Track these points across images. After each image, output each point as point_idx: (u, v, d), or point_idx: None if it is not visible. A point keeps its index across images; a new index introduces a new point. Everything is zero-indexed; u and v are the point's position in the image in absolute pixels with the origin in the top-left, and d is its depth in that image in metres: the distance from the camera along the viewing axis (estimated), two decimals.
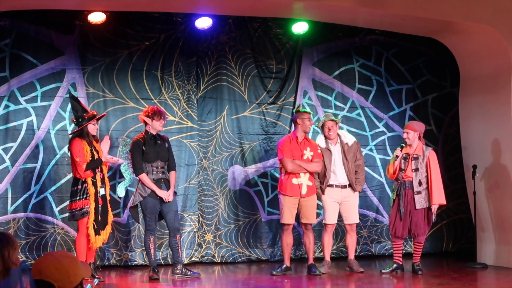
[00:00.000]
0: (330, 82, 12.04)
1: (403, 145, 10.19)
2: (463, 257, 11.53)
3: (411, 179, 10.05)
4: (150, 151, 9.66)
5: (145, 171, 9.64)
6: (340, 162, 10.24)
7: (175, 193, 9.97)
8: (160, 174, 9.72)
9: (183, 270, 9.77)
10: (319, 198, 10.32)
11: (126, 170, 10.02)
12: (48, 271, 3.61)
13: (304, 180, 10.04)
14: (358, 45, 12.19)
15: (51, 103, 10.65)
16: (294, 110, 10.41)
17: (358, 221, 10.53)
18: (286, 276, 10.07)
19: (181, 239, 10.02)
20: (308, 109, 10.45)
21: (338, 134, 10.34)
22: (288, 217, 10.05)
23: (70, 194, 9.42)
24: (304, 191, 10.01)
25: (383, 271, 10.25)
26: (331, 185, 10.24)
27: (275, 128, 11.72)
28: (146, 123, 9.72)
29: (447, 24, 10.94)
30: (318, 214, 11.31)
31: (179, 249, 9.79)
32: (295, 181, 10.03)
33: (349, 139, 10.36)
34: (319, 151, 10.20)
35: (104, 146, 9.57)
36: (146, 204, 9.61)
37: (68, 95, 10.21)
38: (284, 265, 10.18)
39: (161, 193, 9.59)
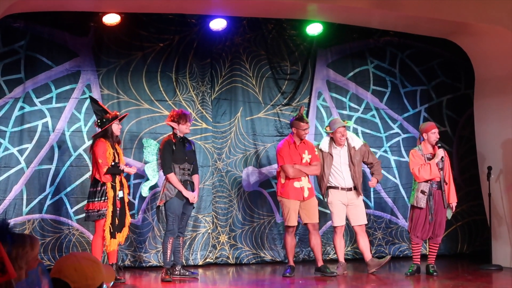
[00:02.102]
0: (345, 83, 12.03)
1: (439, 145, 10.19)
2: (478, 259, 11.50)
3: (439, 179, 10.02)
4: (179, 152, 9.73)
5: (173, 171, 9.70)
6: (346, 165, 10.20)
7: None
8: (186, 176, 9.78)
9: (182, 271, 9.82)
10: (324, 197, 10.35)
11: (154, 170, 10.05)
12: (67, 271, 3.62)
13: (305, 183, 10.07)
14: (372, 47, 12.18)
15: (66, 104, 10.67)
16: (295, 115, 10.33)
17: (366, 222, 10.44)
18: (299, 278, 10.07)
19: (184, 242, 10.07)
20: (306, 118, 10.23)
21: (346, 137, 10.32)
22: (293, 220, 10.08)
23: (88, 194, 9.48)
24: (306, 193, 10.05)
25: (407, 273, 10.17)
26: (336, 187, 10.21)
27: (289, 129, 11.68)
28: (173, 127, 9.77)
29: (461, 26, 10.91)
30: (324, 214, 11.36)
31: (181, 251, 9.87)
32: (297, 184, 10.05)
33: (357, 143, 10.31)
34: (317, 153, 10.18)
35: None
36: (171, 204, 9.65)
37: (88, 98, 10.25)
38: (291, 266, 10.19)
39: (188, 193, 9.64)
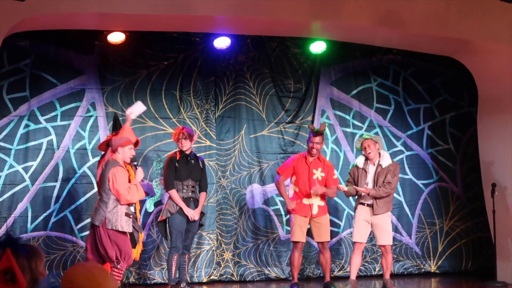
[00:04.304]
0: (348, 101, 12.06)
1: None
2: (483, 276, 11.49)
3: None
4: (182, 169, 9.78)
5: (175, 188, 9.71)
6: (371, 182, 10.13)
7: (203, 213, 10.08)
8: (190, 193, 9.83)
9: None
10: (348, 195, 10.37)
11: (157, 186, 10.09)
12: (80, 281, 3.62)
13: (315, 201, 10.05)
14: (375, 65, 12.22)
15: (70, 122, 10.71)
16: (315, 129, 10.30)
17: (390, 243, 10.23)
18: None
19: (189, 259, 10.07)
20: (319, 133, 10.17)
21: (380, 154, 10.22)
22: (298, 235, 10.07)
23: None
24: (315, 211, 10.04)
25: None
26: (362, 203, 10.16)
27: (293, 147, 11.73)
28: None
29: (465, 44, 10.95)
30: (336, 233, 11.36)
31: (186, 268, 9.89)
32: (305, 201, 10.06)
33: (385, 161, 10.13)
34: (335, 177, 10.15)
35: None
36: (173, 221, 9.70)
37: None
38: (296, 283, 10.17)
39: (188, 211, 9.67)
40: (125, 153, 8.93)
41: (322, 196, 10.09)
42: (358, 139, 10.34)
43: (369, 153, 10.04)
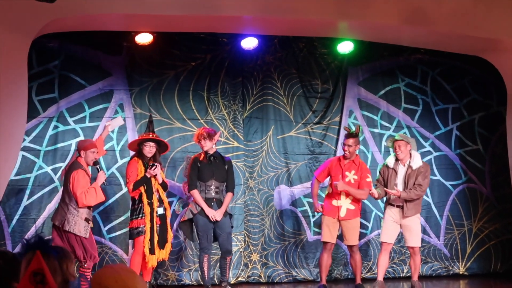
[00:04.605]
0: (376, 101, 12.02)
1: None
2: None
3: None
4: (205, 169, 9.79)
5: (198, 188, 9.71)
6: (401, 184, 10.08)
7: (230, 215, 10.04)
8: (213, 194, 9.81)
9: None
10: (378, 198, 10.29)
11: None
12: (108, 283, 3.63)
13: (344, 203, 10.00)
14: (403, 64, 12.16)
15: (99, 123, 10.76)
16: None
17: (418, 244, 10.20)
18: None
19: (231, 260, 10.02)
20: (353, 135, 10.17)
21: (411, 155, 10.16)
22: (327, 235, 10.06)
23: (130, 213, 9.67)
24: (342, 213, 10.00)
25: None
26: (392, 205, 10.12)
27: (320, 148, 11.71)
28: None
29: (493, 42, 10.87)
30: (364, 235, 11.32)
31: (227, 269, 9.87)
32: (335, 202, 10.04)
33: (415, 163, 10.07)
34: (369, 180, 10.06)
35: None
36: (197, 221, 9.73)
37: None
38: (323, 285, 10.14)
39: (209, 211, 9.66)
40: (88, 156, 9.29)
41: (354, 199, 10.02)
42: (390, 139, 10.31)
43: (399, 153, 10.00)
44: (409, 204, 9.94)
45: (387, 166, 10.15)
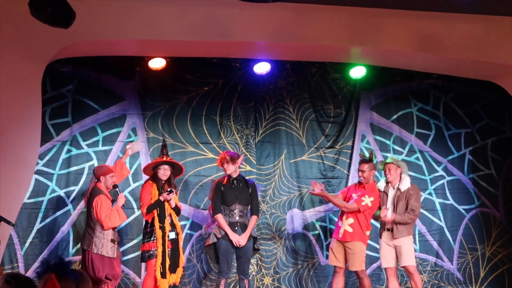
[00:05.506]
0: (388, 126, 12.03)
1: None
2: None
3: None
4: (228, 193, 9.77)
5: (222, 213, 9.73)
6: (391, 206, 10.10)
7: (255, 238, 9.98)
8: (237, 218, 9.77)
9: None
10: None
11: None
12: None
13: (344, 224, 9.98)
14: (415, 89, 12.18)
15: (112, 147, 10.82)
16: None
17: (411, 263, 10.04)
18: None
19: (249, 283, 9.99)
20: (366, 161, 10.15)
21: (401, 178, 10.19)
22: (332, 259, 10.06)
23: (142, 235, 9.72)
24: (340, 234, 9.95)
25: None
26: (384, 229, 10.13)
27: (333, 172, 11.72)
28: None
29: (505, 68, 10.90)
30: (376, 258, 11.27)
31: None
32: (340, 223, 10.06)
33: (403, 185, 10.09)
34: (364, 203, 9.89)
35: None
36: (220, 245, 9.68)
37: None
38: None
39: (233, 236, 9.63)
40: (107, 180, 9.59)
41: (355, 223, 9.94)
42: (381, 162, 10.36)
43: (388, 176, 10.07)
44: (399, 227, 9.94)
45: (379, 190, 10.18)
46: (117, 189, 9.65)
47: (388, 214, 9.97)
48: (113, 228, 9.51)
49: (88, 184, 10.55)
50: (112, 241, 9.46)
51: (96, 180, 9.63)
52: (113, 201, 9.66)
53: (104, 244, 9.36)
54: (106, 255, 9.35)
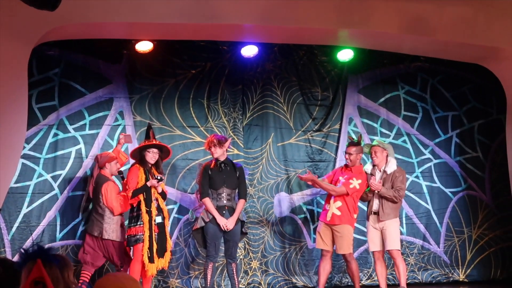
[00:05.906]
0: (376, 109, 12.03)
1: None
2: None
3: None
4: (216, 177, 9.71)
5: (210, 196, 9.70)
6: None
7: (242, 222, 9.93)
8: (225, 201, 9.72)
9: None
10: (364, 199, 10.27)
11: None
12: None
13: (332, 207, 9.96)
14: (403, 72, 12.18)
15: (99, 131, 10.77)
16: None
17: (395, 247, 10.02)
18: None
19: (237, 267, 9.98)
20: (353, 143, 10.16)
21: (387, 160, 10.22)
22: (319, 242, 10.06)
23: (128, 220, 9.68)
24: (328, 217, 9.93)
25: None
26: (372, 212, 10.14)
27: (320, 155, 11.72)
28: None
29: (493, 50, 10.89)
30: (363, 242, 11.30)
31: (235, 277, 9.78)
32: (327, 206, 10.06)
33: (389, 167, 10.11)
34: (352, 183, 9.88)
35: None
36: (207, 229, 9.64)
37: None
38: None
39: (220, 220, 9.59)
40: (112, 167, 9.83)
41: (343, 206, 9.92)
42: (367, 145, 10.37)
43: (375, 159, 10.09)
44: (385, 209, 9.95)
45: (366, 173, 10.18)
46: (121, 175, 9.79)
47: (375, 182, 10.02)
48: (121, 214, 9.68)
49: (75, 168, 10.54)
50: (121, 225, 9.68)
51: (100, 168, 9.76)
52: None
53: (114, 230, 9.58)
54: (117, 240, 9.58)
